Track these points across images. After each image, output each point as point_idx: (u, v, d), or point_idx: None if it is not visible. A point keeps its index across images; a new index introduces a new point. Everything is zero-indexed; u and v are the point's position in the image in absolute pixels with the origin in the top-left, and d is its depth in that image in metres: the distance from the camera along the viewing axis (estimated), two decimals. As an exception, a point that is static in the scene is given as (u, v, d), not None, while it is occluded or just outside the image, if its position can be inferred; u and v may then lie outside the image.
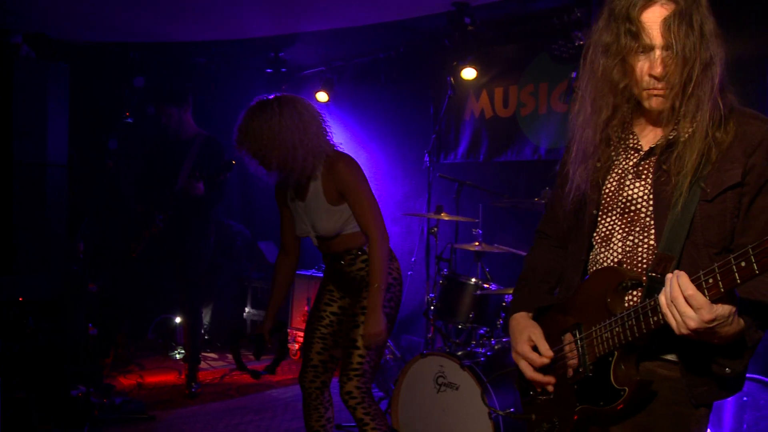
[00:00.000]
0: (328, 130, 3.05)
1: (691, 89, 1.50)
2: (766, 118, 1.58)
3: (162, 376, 5.44)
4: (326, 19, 5.45)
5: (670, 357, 1.61)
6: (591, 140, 1.69)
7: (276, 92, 3.01)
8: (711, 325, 1.36)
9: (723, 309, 1.35)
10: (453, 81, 5.15)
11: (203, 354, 6.03)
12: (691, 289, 1.34)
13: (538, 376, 1.75)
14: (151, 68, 6.40)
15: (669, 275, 1.41)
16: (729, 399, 4.10)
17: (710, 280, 1.32)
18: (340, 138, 3.27)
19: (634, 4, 1.53)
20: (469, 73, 5.57)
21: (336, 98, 6.64)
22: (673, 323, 1.39)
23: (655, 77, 1.53)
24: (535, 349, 1.76)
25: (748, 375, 1.86)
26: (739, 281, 1.28)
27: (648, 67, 1.53)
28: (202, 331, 6.04)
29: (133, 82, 6.07)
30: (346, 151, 3.13)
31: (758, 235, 1.50)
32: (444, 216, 4.26)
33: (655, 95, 1.55)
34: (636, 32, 1.52)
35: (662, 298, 1.41)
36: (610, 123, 1.66)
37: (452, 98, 5.29)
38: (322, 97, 6.52)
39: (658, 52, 1.51)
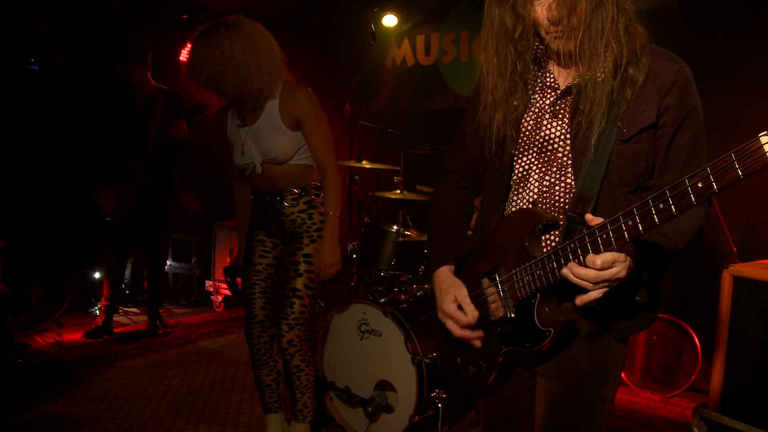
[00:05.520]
0: (278, 49, 2.97)
1: (592, 28, 1.49)
2: (677, 57, 1.59)
3: (82, 334, 5.30)
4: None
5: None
6: (501, 88, 1.67)
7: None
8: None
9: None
10: (374, 28, 5.07)
11: (123, 309, 5.93)
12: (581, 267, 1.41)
13: (466, 333, 1.74)
14: (58, 11, 6.00)
15: (565, 271, 1.45)
16: (641, 338, 4.34)
17: (629, 222, 1.32)
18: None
19: None
20: (390, 20, 5.51)
21: (256, 45, 6.46)
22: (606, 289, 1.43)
23: (551, 21, 1.52)
24: (460, 308, 1.76)
25: (658, 315, 1.90)
26: (657, 222, 1.28)
27: (540, 11, 1.54)
28: (123, 286, 5.91)
29: (38, 25, 5.74)
30: None
31: (676, 175, 1.54)
32: (365, 164, 4.24)
33: (557, 37, 1.55)
34: None
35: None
36: (516, 69, 1.65)
37: (373, 46, 5.22)
38: (241, 44, 6.32)
39: None
